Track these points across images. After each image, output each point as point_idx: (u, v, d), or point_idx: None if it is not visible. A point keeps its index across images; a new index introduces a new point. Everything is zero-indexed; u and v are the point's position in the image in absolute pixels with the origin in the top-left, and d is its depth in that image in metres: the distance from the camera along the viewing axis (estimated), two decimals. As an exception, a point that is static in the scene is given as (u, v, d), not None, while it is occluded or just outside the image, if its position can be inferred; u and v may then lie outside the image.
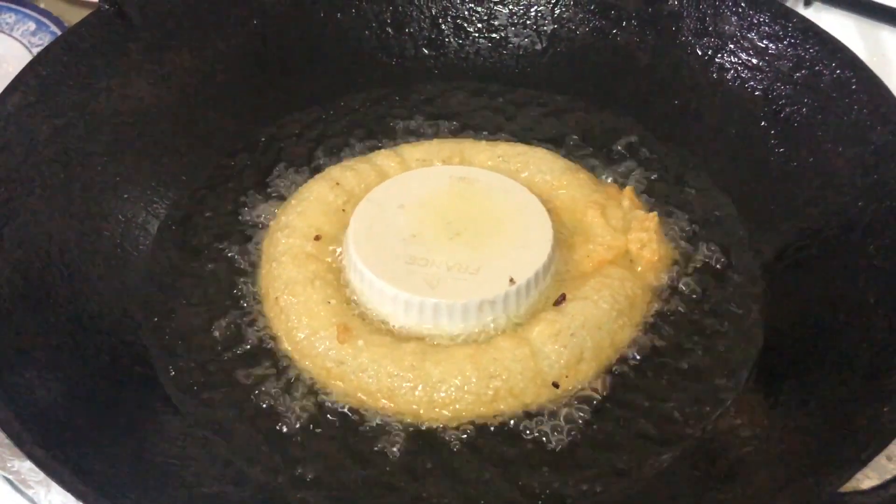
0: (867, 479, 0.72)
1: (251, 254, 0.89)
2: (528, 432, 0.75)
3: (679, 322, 0.83)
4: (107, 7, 0.92)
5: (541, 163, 0.94)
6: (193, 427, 0.75)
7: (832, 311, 0.79)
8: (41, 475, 0.73)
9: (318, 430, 0.76)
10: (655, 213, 0.88)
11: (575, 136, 0.99)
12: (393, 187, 0.89)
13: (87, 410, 0.72)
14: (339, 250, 0.86)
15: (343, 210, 0.89)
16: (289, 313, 0.82)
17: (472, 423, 0.76)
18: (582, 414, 0.76)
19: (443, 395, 0.76)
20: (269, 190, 0.94)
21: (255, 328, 0.83)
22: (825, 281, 0.81)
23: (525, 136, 0.99)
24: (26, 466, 0.75)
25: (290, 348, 0.81)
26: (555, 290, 0.83)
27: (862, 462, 0.62)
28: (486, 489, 0.72)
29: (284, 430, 0.75)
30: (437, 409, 0.76)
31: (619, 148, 0.98)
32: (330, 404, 0.77)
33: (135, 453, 0.71)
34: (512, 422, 0.76)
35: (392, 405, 0.77)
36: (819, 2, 1.22)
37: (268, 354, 0.81)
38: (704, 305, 0.85)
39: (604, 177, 0.95)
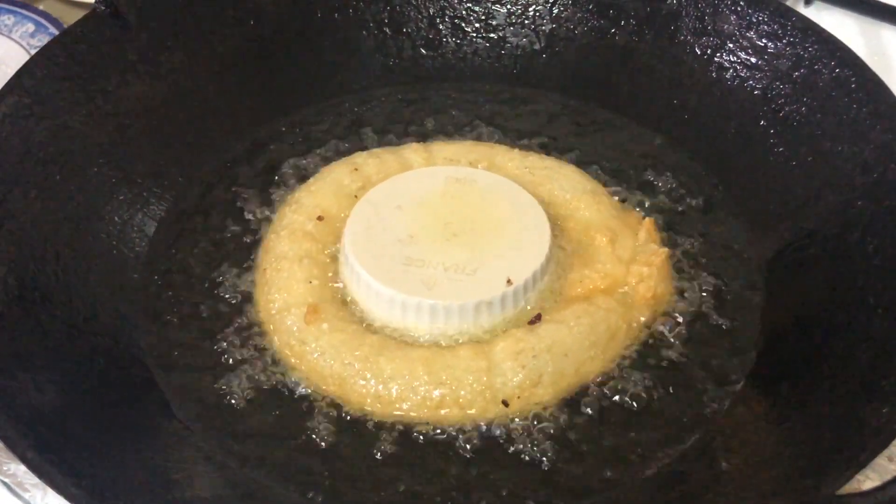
0: (868, 479, 0.72)
1: (249, 257, 0.88)
2: (461, 444, 0.74)
3: (660, 362, 0.80)
4: (103, 8, 0.92)
5: (564, 180, 0.92)
6: (189, 431, 0.75)
7: (831, 311, 0.78)
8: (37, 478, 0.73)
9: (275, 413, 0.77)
10: (666, 249, 0.86)
11: (573, 136, 0.99)
12: (390, 188, 0.89)
13: (83, 414, 0.72)
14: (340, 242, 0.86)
15: (355, 196, 0.89)
16: (270, 285, 0.83)
17: (408, 424, 0.76)
18: (529, 437, 0.75)
19: (390, 391, 0.76)
20: (266, 191, 0.94)
21: (252, 329, 0.82)
22: (824, 281, 0.81)
23: (521, 136, 0.99)
24: (22, 469, 0.74)
25: (264, 320, 0.82)
26: (540, 307, 0.82)
27: (861, 464, 0.62)
28: (389, 489, 0.72)
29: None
30: (380, 405, 0.76)
31: (616, 147, 0.98)
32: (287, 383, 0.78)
33: (130, 457, 0.70)
34: (450, 430, 0.75)
35: (340, 393, 0.77)
36: (819, 0, 1.21)
37: (266, 356, 0.81)
38: (702, 303, 0.84)
39: (589, 171, 0.95)
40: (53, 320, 0.77)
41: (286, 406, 0.77)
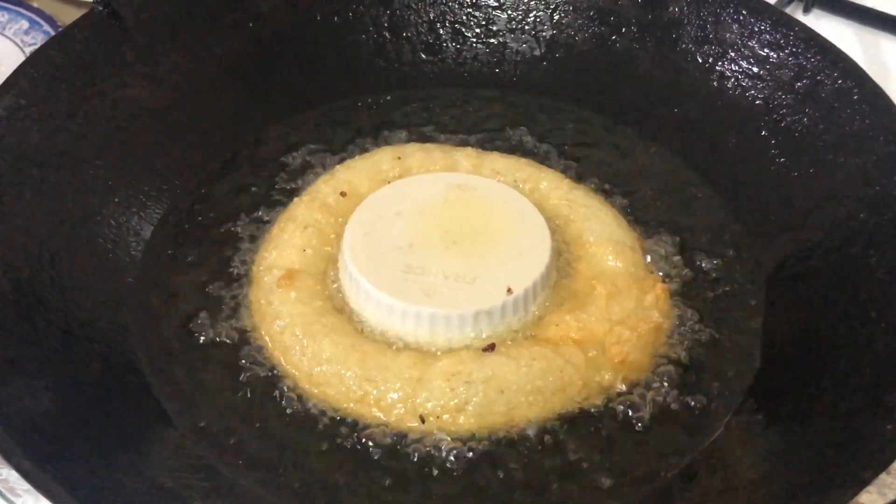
0: (866, 492, 0.71)
1: (245, 261, 0.88)
2: (354, 438, 0.74)
3: (603, 432, 0.76)
4: (100, 8, 0.91)
5: (597, 223, 0.88)
6: (184, 438, 0.74)
7: (833, 324, 0.78)
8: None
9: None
10: (658, 320, 0.81)
11: (572, 144, 0.99)
12: (390, 194, 0.88)
13: (77, 421, 0.71)
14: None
15: (388, 182, 0.90)
16: (270, 242, 0.87)
17: (328, 410, 0.76)
18: (432, 461, 0.74)
19: (320, 371, 0.77)
20: (263, 194, 0.94)
21: (248, 336, 0.82)
22: (826, 294, 0.80)
23: (520, 144, 0.99)
24: (14, 475, 0.74)
25: (255, 276, 0.85)
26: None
27: (864, 482, 0.62)
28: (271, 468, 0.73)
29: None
30: (307, 386, 0.77)
31: (615, 155, 0.98)
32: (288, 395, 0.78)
33: (125, 464, 0.69)
34: (357, 426, 0.75)
35: (283, 361, 0.79)
36: (818, 9, 1.21)
37: (258, 361, 0.80)
38: (703, 318, 0.84)
39: (588, 182, 0.95)
40: (48, 325, 0.76)
41: (286, 416, 0.76)
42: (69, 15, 1.05)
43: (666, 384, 0.78)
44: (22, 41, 1.15)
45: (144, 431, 0.75)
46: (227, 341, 0.81)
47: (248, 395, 0.78)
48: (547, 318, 0.81)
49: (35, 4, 1.20)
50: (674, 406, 0.77)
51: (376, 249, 0.83)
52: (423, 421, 0.75)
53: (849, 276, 0.80)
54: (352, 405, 0.76)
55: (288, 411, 0.76)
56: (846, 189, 0.84)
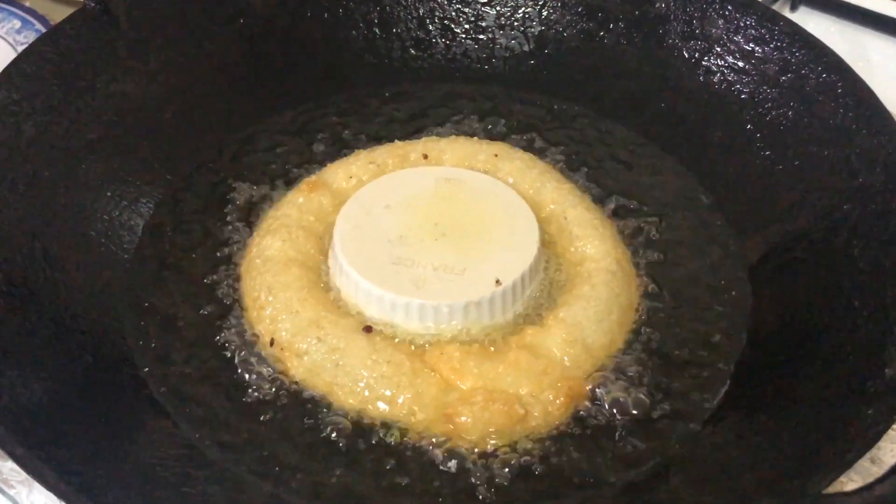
0: (851, 482, 0.73)
1: (236, 254, 0.88)
2: (348, 430, 0.75)
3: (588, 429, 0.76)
4: (92, 5, 0.92)
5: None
6: (177, 427, 0.75)
7: (817, 313, 0.79)
8: (23, 475, 0.73)
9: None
10: (519, 413, 0.75)
11: (560, 138, 1.00)
12: (379, 188, 0.89)
13: (70, 410, 0.71)
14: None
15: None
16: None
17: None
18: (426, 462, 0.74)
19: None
20: (254, 189, 0.94)
21: (239, 327, 0.82)
22: (810, 284, 0.81)
23: (509, 137, 1.00)
24: (8, 466, 0.75)
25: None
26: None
27: (846, 464, 0.63)
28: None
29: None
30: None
31: (603, 149, 0.99)
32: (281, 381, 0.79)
33: (118, 453, 0.70)
34: (350, 416, 0.76)
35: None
36: (805, 6, 1.22)
37: (250, 351, 0.81)
38: (687, 307, 0.85)
39: (575, 176, 0.95)
40: (41, 317, 0.77)
41: (276, 404, 0.77)
42: (61, 14, 1.05)
43: (650, 374, 0.79)
44: (14, 40, 1.15)
45: (136, 420, 0.75)
46: (219, 332, 0.82)
47: (240, 384, 0.78)
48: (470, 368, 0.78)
49: (27, 4, 1.20)
50: (658, 396, 0.78)
51: (366, 242, 0.83)
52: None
53: (832, 266, 0.81)
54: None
55: (281, 400, 0.77)
56: (830, 181, 0.86)
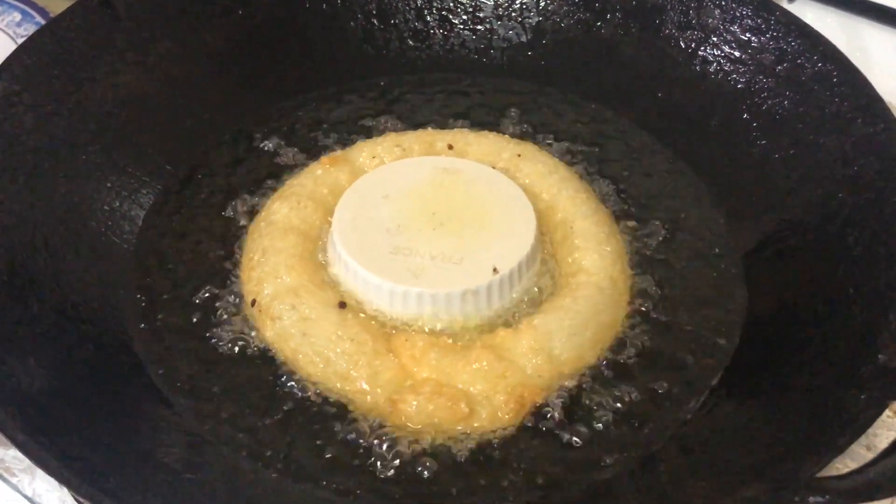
0: (846, 467, 0.73)
1: (236, 244, 0.89)
2: (347, 419, 0.75)
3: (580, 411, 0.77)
4: (92, -4, 0.92)
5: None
6: (177, 415, 0.76)
7: (812, 300, 0.79)
8: (25, 463, 0.74)
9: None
10: (463, 412, 0.75)
11: (557, 128, 1.00)
12: (377, 177, 0.89)
13: (72, 398, 0.72)
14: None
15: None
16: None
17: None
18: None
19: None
20: (253, 180, 0.95)
21: (239, 317, 0.83)
22: (805, 271, 0.82)
23: (507, 127, 1.00)
24: (10, 454, 0.75)
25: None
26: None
27: (839, 448, 0.63)
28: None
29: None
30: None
31: (601, 139, 0.99)
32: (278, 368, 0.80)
33: (119, 440, 0.71)
34: (344, 407, 0.76)
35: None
36: (802, -4, 1.23)
37: (250, 339, 0.81)
38: (683, 295, 0.85)
39: (574, 165, 0.96)
40: (42, 306, 0.77)
41: (277, 393, 0.78)
42: (61, 7, 1.05)
43: (647, 361, 0.80)
44: (14, 32, 1.15)
45: (137, 407, 0.76)
46: (219, 321, 0.82)
47: (241, 373, 0.79)
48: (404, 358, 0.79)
49: (27, -4, 1.21)
50: (654, 384, 0.78)
51: (365, 232, 0.84)
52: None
53: (827, 254, 0.81)
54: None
55: (280, 389, 0.78)
56: (825, 170, 0.86)
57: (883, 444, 0.76)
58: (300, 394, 0.77)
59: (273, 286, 0.82)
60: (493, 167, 0.92)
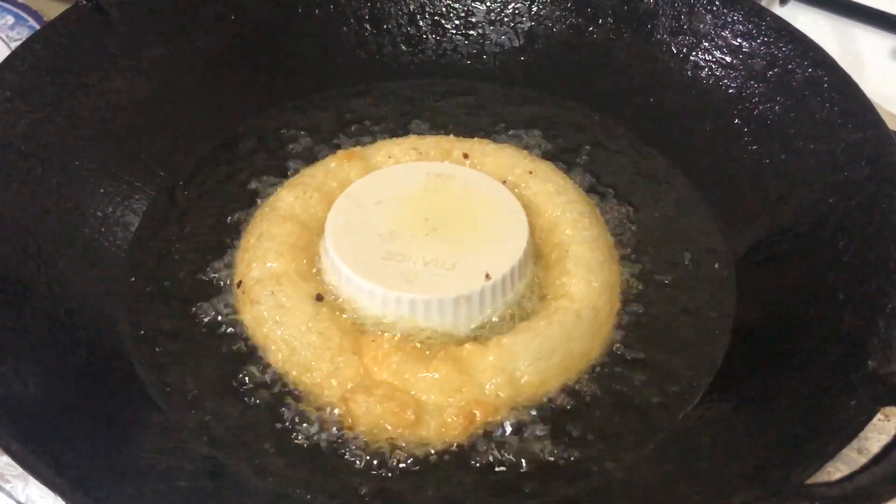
0: (838, 472, 0.73)
1: (230, 251, 0.89)
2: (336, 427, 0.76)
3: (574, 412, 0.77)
4: (85, 2, 0.92)
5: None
6: (170, 422, 0.76)
7: (802, 306, 0.80)
8: (18, 469, 0.73)
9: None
10: (410, 419, 0.75)
11: (549, 133, 1.00)
12: (370, 183, 0.89)
13: (65, 405, 0.72)
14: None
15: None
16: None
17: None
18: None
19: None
20: (246, 187, 0.95)
21: (234, 323, 0.83)
22: (796, 276, 0.82)
23: (500, 133, 1.00)
24: (3, 461, 0.75)
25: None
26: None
27: (830, 454, 0.63)
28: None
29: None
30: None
31: (590, 144, 0.99)
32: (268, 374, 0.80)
33: (112, 447, 0.71)
34: (336, 414, 0.76)
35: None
36: (795, 0, 1.23)
37: (247, 350, 0.81)
38: (674, 299, 0.85)
39: (567, 171, 0.96)
40: (35, 313, 0.77)
41: (270, 399, 0.78)
42: (54, 10, 1.05)
43: (636, 367, 0.80)
44: (7, 36, 1.15)
45: (130, 415, 0.76)
46: (212, 328, 0.82)
47: (234, 380, 0.79)
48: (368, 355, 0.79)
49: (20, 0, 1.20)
50: (643, 389, 0.79)
51: (358, 237, 0.84)
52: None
53: (818, 259, 0.81)
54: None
55: (272, 395, 0.78)
56: (816, 175, 0.86)
57: (874, 447, 0.77)
58: (263, 379, 0.79)
59: (259, 270, 0.83)
60: (504, 181, 0.91)
